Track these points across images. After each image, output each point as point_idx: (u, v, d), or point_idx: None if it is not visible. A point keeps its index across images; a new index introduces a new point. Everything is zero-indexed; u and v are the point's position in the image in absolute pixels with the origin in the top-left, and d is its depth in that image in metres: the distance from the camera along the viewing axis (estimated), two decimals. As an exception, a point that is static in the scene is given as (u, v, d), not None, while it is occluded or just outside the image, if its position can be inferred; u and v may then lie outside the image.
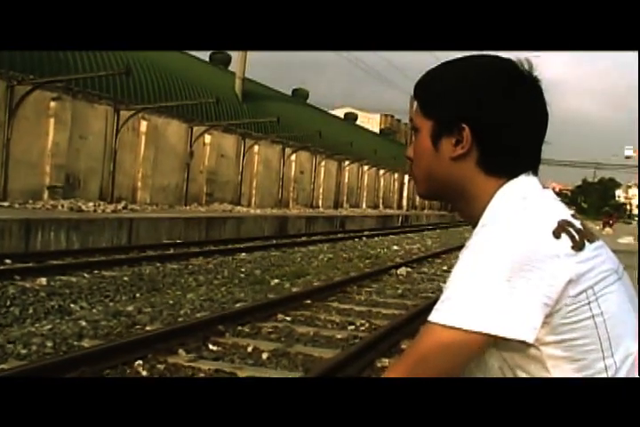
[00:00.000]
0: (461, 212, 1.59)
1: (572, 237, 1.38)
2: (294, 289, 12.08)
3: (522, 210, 1.41)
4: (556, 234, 1.37)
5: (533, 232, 1.36)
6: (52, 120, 23.45)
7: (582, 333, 1.37)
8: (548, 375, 1.39)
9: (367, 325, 9.27)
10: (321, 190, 47.00)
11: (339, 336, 8.47)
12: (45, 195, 23.15)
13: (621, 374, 1.41)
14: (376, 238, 28.09)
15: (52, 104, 23.42)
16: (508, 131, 1.48)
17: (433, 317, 1.36)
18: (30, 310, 8.87)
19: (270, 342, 8.03)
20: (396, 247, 23.42)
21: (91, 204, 22.38)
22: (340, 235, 28.48)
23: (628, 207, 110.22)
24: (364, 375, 6.78)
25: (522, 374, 1.41)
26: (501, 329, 1.31)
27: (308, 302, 10.66)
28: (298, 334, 8.49)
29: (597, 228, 39.97)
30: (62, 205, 21.10)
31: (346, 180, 51.51)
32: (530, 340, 1.33)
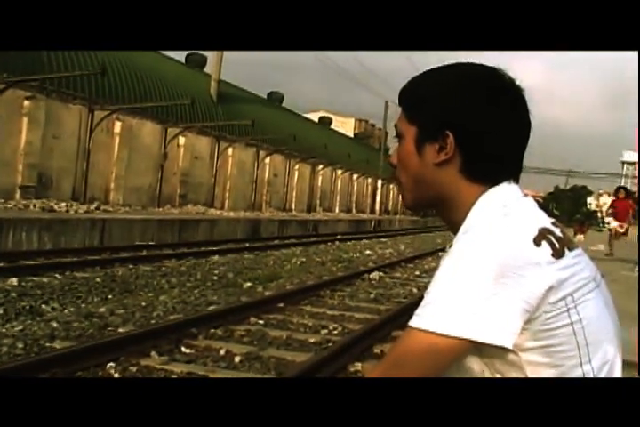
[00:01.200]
0: (444, 218, 1.61)
1: (552, 245, 1.40)
2: (267, 292, 12.06)
3: (502, 217, 1.43)
4: (537, 241, 1.39)
5: (514, 239, 1.38)
6: (25, 119, 23.31)
7: (561, 339, 1.39)
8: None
9: (340, 329, 9.27)
10: (294, 194, 46.99)
11: (312, 340, 8.47)
12: (17, 194, 22.99)
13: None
14: (349, 243, 28.09)
15: (26, 103, 23.28)
16: (490, 138, 1.50)
17: (413, 322, 1.37)
18: (1, 311, 8.80)
19: (243, 345, 8.01)
20: (368, 252, 23.44)
21: (63, 204, 22.24)
22: (313, 238, 28.49)
23: (599, 215, 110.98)
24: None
25: (507, 375, 1.43)
26: (480, 335, 1.33)
27: (281, 305, 10.64)
28: (271, 337, 8.48)
29: (570, 235, 40.07)
30: (34, 205, 20.96)
31: (319, 183, 51.53)
32: (508, 345, 1.35)
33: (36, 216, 17.51)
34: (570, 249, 1.44)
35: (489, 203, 1.49)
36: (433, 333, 1.34)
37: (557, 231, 1.45)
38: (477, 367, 1.44)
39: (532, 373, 1.40)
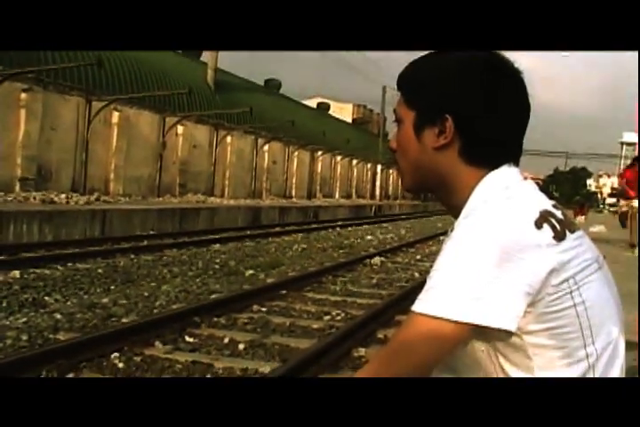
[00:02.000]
0: (444, 202, 1.61)
1: (553, 228, 1.41)
2: (269, 280, 12.08)
3: (503, 200, 1.44)
4: (538, 224, 1.40)
5: (515, 222, 1.39)
6: (22, 111, 23.27)
7: (564, 321, 1.40)
8: (531, 363, 1.42)
9: (343, 314, 9.28)
10: (294, 181, 46.95)
11: (315, 326, 8.49)
12: (17, 187, 22.98)
13: (602, 362, 1.44)
14: (350, 228, 28.11)
15: (23, 95, 23.23)
16: (489, 122, 1.51)
17: (416, 306, 1.38)
18: (4, 304, 8.82)
19: (246, 332, 8.03)
20: (369, 237, 23.46)
21: (63, 195, 22.22)
22: (313, 225, 28.50)
23: (600, 196, 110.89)
24: (341, 365, 6.81)
25: (505, 363, 1.44)
26: (484, 319, 1.34)
27: (284, 292, 10.66)
28: (274, 324, 8.49)
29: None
30: (34, 197, 20.94)
31: (319, 170, 51.48)
32: (512, 329, 1.36)
33: (36, 208, 17.51)
34: (571, 231, 1.45)
35: (490, 186, 1.50)
36: (437, 317, 1.34)
37: (558, 214, 1.46)
38: (481, 350, 1.45)
39: (534, 355, 1.41)
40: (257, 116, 37.55)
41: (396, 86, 1.63)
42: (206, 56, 40.59)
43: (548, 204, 1.48)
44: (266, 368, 6.45)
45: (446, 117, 1.50)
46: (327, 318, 9.11)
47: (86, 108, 26.02)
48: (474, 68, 1.52)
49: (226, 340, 7.56)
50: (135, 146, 29.14)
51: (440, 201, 1.64)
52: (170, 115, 31.32)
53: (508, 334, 1.39)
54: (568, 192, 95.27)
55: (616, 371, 1.47)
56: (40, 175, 24.13)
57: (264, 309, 9.44)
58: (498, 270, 1.34)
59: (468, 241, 1.38)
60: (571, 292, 1.40)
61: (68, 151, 25.43)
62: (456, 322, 1.34)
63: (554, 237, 1.40)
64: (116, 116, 28.13)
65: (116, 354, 6.68)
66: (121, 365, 6.48)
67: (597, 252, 1.54)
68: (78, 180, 25.89)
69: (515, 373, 1.44)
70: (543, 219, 1.41)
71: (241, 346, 7.33)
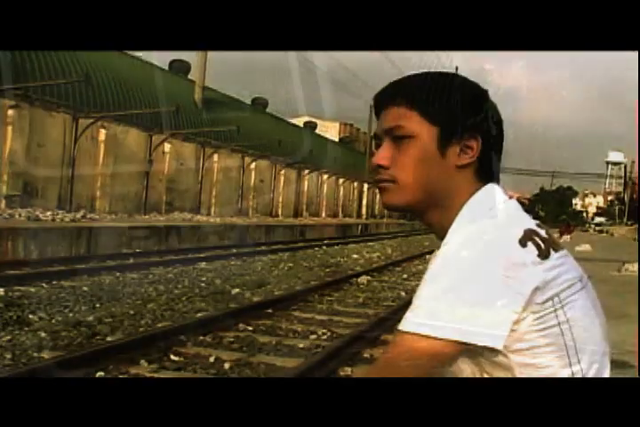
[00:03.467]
0: (432, 223, 1.59)
1: (537, 246, 1.42)
2: (255, 298, 12.04)
3: (489, 220, 1.45)
4: (523, 242, 1.41)
5: (501, 241, 1.40)
6: (9, 128, 23.22)
7: (549, 340, 1.40)
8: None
9: (329, 334, 9.27)
10: (280, 199, 46.98)
11: (301, 345, 8.46)
12: (3, 203, 22.89)
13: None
14: (336, 247, 28.09)
15: (10, 112, 23.21)
16: (499, 142, 1.58)
17: (403, 326, 1.38)
18: None
19: (232, 351, 8.00)
20: (356, 256, 23.45)
21: (49, 213, 22.15)
22: (300, 244, 28.46)
23: (585, 215, 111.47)
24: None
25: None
26: (470, 337, 1.33)
27: (270, 311, 10.63)
28: (260, 343, 8.47)
29: (555, 235, 40.32)
30: (20, 214, 20.86)
31: (305, 188, 51.54)
32: (499, 346, 1.36)
33: (21, 225, 17.44)
34: (555, 250, 1.46)
35: (476, 206, 1.51)
36: (424, 336, 1.34)
37: (542, 233, 1.47)
38: (467, 369, 1.45)
39: (520, 374, 1.41)
40: (244, 135, 37.57)
41: (393, 99, 1.60)
42: (194, 74, 40.68)
43: (532, 223, 1.50)
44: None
45: (477, 136, 1.53)
46: (313, 337, 9.09)
47: (73, 125, 26.00)
48: (482, 91, 1.59)
49: (212, 359, 7.52)
50: (122, 163, 29.09)
51: (425, 220, 1.62)
52: (157, 132, 31.31)
53: (494, 352, 1.39)
54: (554, 211, 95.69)
55: None
56: (26, 192, 24.05)
57: (250, 327, 9.41)
58: (483, 288, 1.34)
59: (453, 259, 1.39)
60: (555, 310, 1.40)
61: (55, 168, 25.35)
62: (442, 340, 1.33)
63: (538, 256, 1.41)
64: (102, 134, 28.13)
65: (102, 373, 6.64)
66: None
67: (581, 271, 1.55)
68: (64, 197, 25.82)
69: None
70: (527, 237, 1.42)
71: (227, 365, 7.30)
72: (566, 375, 1.42)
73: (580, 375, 1.42)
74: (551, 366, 1.41)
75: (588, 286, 1.54)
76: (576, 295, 1.45)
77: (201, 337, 8.51)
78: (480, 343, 1.34)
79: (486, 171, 1.56)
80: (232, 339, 8.62)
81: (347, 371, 7.24)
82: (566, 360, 1.42)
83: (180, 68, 42.55)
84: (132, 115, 29.27)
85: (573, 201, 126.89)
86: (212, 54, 40.13)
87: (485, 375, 1.44)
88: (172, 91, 35.73)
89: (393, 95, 1.59)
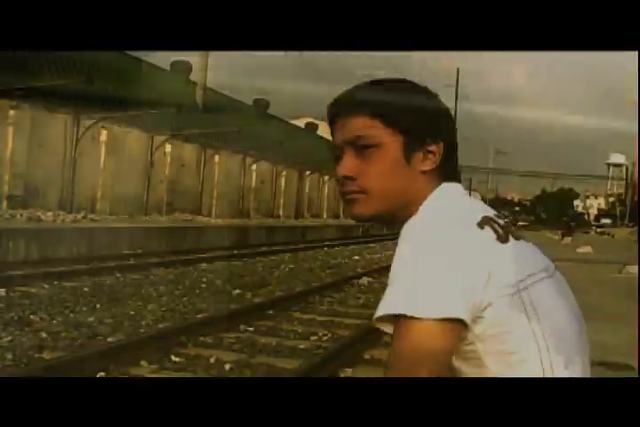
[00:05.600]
0: (400, 227, 1.60)
1: (495, 230, 1.46)
2: (256, 299, 12.05)
3: (448, 206, 1.51)
4: (481, 226, 1.45)
5: (459, 223, 1.44)
6: (10, 129, 23.22)
7: (516, 326, 1.42)
8: (486, 370, 1.44)
9: (330, 335, 9.26)
10: (282, 200, 46.98)
11: (301, 346, 8.46)
12: (4, 204, 22.89)
13: (559, 366, 1.45)
14: (337, 248, 28.11)
15: (11, 112, 23.21)
16: (456, 142, 1.63)
17: (388, 310, 1.40)
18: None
19: (233, 352, 8.00)
20: (357, 257, 23.46)
21: (50, 213, 22.15)
22: (301, 245, 28.46)
23: (586, 217, 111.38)
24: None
25: (461, 370, 1.47)
26: (431, 311, 1.34)
27: (271, 312, 10.63)
28: (260, 344, 8.46)
29: (556, 237, 40.34)
30: (21, 215, 20.87)
31: (307, 189, 51.53)
32: (463, 316, 1.36)
33: (22, 226, 17.44)
34: (516, 238, 1.50)
35: (433, 200, 1.55)
36: (400, 316, 1.37)
37: (501, 222, 1.51)
38: None
39: (490, 362, 1.43)
40: (245, 136, 37.56)
41: (352, 109, 1.60)
42: (195, 75, 40.67)
43: (490, 212, 1.53)
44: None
45: (438, 141, 1.56)
46: (314, 338, 9.08)
47: (74, 125, 26.00)
48: (434, 93, 1.63)
49: (212, 359, 7.52)
50: (123, 164, 29.11)
51: (392, 225, 1.65)
52: (158, 133, 31.32)
53: (463, 339, 1.40)
54: (556, 213, 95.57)
55: (575, 374, 1.48)
56: (27, 193, 24.05)
57: (251, 328, 9.41)
58: (446, 266, 1.37)
59: (414, 242, 1.43)
60: (520, 296, 1.42)
61: (56, 169, 25.37)
62: (412, 317, 1.34)
63: (497, 239, 1.45)
64: (104, 135, 28.14)
65: (102, 373, 6.64)
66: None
67: (548, 261, 1.58)
68: (65, 198, 25.82)
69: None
70: (485, 222, 1.47)
71: (227, 366, 7.29)
72: (536, 360, 1.43)
73: (547, 363, 1.43)
74: (519, 351, 1.43)
75: (557, 276, 1.57)
76: (541, 283, 1.48)
77: (201, 338, 8.51)
78: (441, 315, 1.34)
79: (448, 172, 1.59)
80: (233, 340, 8.61)
81: (347, 372, 7.23)
82: (535, 345, 1.43)
83: (182, 68, 42.51)
84: (133, 116, 29.25)
85: (575, 203, 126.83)
86: (213, 55, 40.10)
87: (455, 364, 1.46)
88: (173, 91, 35.73)
89: (351, 105, 1.60)
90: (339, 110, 1.62)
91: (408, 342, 1.36)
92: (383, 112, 1.57)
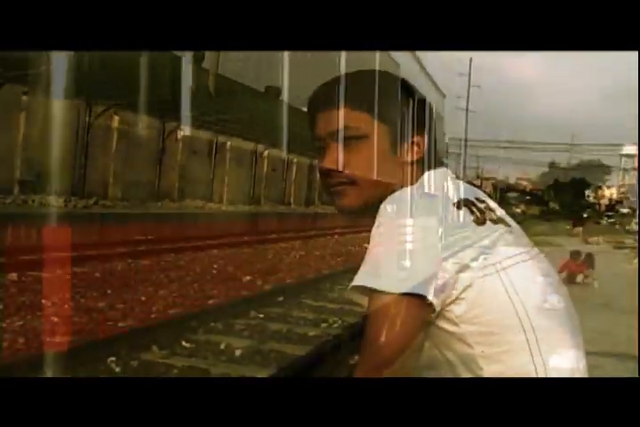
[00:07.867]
0: None
1: (472, 212, 1.48)
2: (267, 286, 12.08)
3: (428, 187, 1.53)
4: (458, 207, 1.47)
5: (437, 203, 1.46)
6: (23, 114, 23.26)
7: (498, 307, 1.43)
8: (472, 351, 1.43)
9: (340, 322, 9.28)
10: (293, 187, 46.96)
11: (312, 333, 8.48)
12: (16, 189, 22.95)
13: (545, 346, 1.45)
14: (348, 236, 28.09)
15: (24, 98, 23.22)
16: (437, 131, 1.68)
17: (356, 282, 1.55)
18: (1, 306, 8.80)
19: (243, 338, 8.03)
20: (367, 244, 23.42)
21: (62, 199, 22.19)
22: (312, 232, 28.46)
23: (598, 207, 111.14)
24: (337, 372, 6.80)
25: (448, 354, 1.47)
26: (408, 288, 1.37)
27: (281, 299, 10.66)
28: (271, 331, 8.49)
29: (568, 227, 40.25)
30: (33, 200, 20.92)
31: (318, 177, 51.49)
32: (429, 295, 1.37)
33: (34, 211, 17.49)
34: (494, 222, 1.51)
35: (421, 182, 1.57)
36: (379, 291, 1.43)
37: (481, 206, 1.53)
38: (425, 343, 1.48)
39: (476, 343, 1.43)
40: (257, 123, 37.51)
41: (335, 101, 1.60)
42: (207, 62, 40.65)
43: (471, 195, 1.54)
44: (262, 375, 6.44)
45: (422, 131, 1.60)
46: (324, 325, 9.11)
47: (87, 111, 26.01)
48: (413, 85, 1.65)
49: (222, 346, 7.55)
50: (135, 150, 29.13)
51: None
52: (170, 120, 31.31)
53: (447, 321, 1.42)
54: (568, 203, 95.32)
55: (564, 358, 1.47)
56: (39, 178, 24.10)
57: (261, 315, 9.44)
58: (420, 244, 1.39)
59: (390, 217, 1.46)
60: (499, 277, 1.43)
61: (68, 155, 25.39)
62: (378, 291, 1.42)
63: (474, 221, 1.47)
64: (115, 121, 28.14)
65: (113, 358, 6.67)
66: (118, 369, 6.47)
67: (530, 244, 1.59)
68: (77, 183, 25.85)
69: (459, 364, 1.46)
70: (463, 204, 1.49)
71: (237, 352, 7.33)
72: (519, 343, 1.43)
73: (534, 340, 1.43)
74: (503, 332, 1.43)
75: (540, 258, 1.57)
76: (521, 264, 1.49)
77: (212, 324, 8.54)
78: (404, 291, 1.36)
79: (433, 163, 1.61)
80: (243, 326, 8.64)
81: (356, 359, 7.24)
82: (519, 327, 1.43)
83: (195, 55, 42.46)
84: (145, 102, 29.23)
85: (586, 192, 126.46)
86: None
87: (442, 348, 1.46)
88: (185, 78, 35.72)
89: (334, 96, 1.60)
90: (320, 102, 1.63)
91: (375, 314, 1.42)
92: (368, 104, 1.58)
